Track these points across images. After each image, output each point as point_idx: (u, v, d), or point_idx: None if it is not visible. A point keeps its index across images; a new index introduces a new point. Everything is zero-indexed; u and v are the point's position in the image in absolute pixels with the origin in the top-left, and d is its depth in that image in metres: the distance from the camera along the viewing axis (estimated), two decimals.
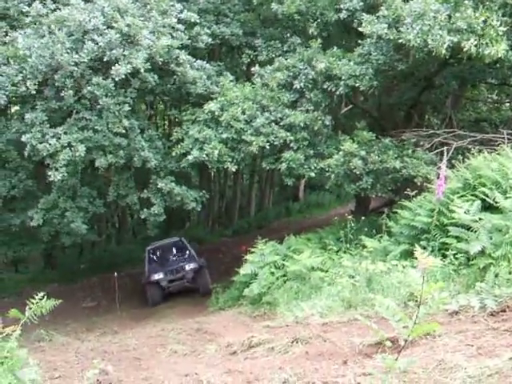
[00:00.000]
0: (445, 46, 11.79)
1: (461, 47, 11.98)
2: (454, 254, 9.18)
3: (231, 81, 15.38)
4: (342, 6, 14.11)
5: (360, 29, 13.21)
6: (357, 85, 13.57)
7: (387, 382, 3.37)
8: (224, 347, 9.14)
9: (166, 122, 27.63)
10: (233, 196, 29.67)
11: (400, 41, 12.28)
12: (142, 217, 16.09)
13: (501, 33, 11.92)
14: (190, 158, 14.18)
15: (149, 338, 12.54)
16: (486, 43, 11.86)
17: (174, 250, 20.86)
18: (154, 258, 20.56)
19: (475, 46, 11.79)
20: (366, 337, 7.36)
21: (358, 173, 13.59)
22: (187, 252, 20.46)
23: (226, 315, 13.26)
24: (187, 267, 19.29)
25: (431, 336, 6.75)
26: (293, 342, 8.30)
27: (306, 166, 14.11)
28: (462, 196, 10.28)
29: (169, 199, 15.49)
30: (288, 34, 16.00)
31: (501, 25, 11.90)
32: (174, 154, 14.79)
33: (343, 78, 13.56)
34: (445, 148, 11.50)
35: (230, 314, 13.26)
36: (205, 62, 15.73)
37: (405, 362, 3.67)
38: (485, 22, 11.95)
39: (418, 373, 5.65)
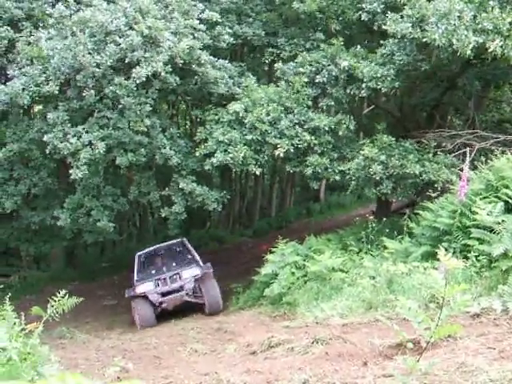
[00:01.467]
0: (470, 46, 11.69)
1: (486, 48, 11.87)
2: (476, 256, 9.12)
3: (253, 81, 15.36)
4: (363, 6, 14.05)
5: (384, 27, 13.11)
6: (379, 87, 13.49)
7: (408, 383, 3.35)
8: (244, 347, 9.16)
9: (188, 122, 27.71)
10: (254, 196, 29.68)
11: (425, 40, 12.18)
12: (163, 215, 16.07)
13: None
14: (214, 160, 14.13)
15: (169, 337, 12.60)
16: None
17: (171, 255, 17.10)
18: (145, 264, 17.01)
19: (500, 46, 11.67)
20: (386, 338, 7.33)
21: (377, 178, 13.52)
22: (188, 256, 16.53)
23: (246, 315, 13.27)
24: (185, 274, 15.09)
25: (452, 338, 6.70)
26: (313, 343, 8.29)
27: (330, 170, 14.07)
28: (484, 198, 10.20)
29: (190, 199, 15.51)
30: (310, 34, 15.96)
31: None
32: (197, 154, 14.80)
33: (365, 80, 13.50)
34: (467, 149, 11.38)
35: (250, 314, 13.27)
36: (227, 62, 15.74)
37: (426, 364, 3.64)
38: (511, 23, 11.83)
39: (438, 375, 5.62)
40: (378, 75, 13.36)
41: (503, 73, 15.05)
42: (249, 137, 13.98)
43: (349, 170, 13.63)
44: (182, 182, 15.07)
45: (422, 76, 14.32)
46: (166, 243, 17.54)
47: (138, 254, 17.03)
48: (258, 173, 14.79)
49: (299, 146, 13.85)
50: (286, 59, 15.50)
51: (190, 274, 15.06)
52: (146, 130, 14.48)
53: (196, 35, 14.94)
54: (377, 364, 6.68)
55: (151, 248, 17.49)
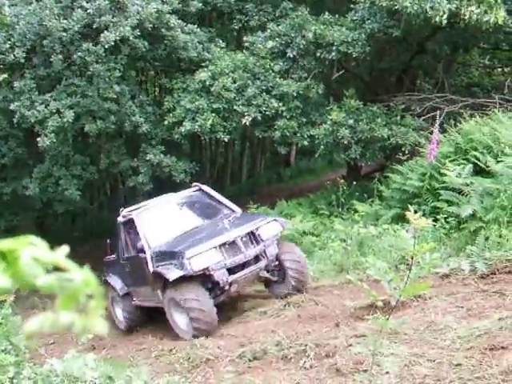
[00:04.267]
0: (445, 16, 11.67)
1: (459, 14, 11.85)
2: (445, 218, 9.25)
3: (222, 47, 15.22)
4: None
5: None
6: (349, 51, 13.46)
7: (378, 342, 3.41)
8: None
9: (157, 89, 27.44)
10: (224, 163, 29.63)
11: (396, 7, 12.13)
12: (130, 185, 16.06)
13: (499, 0, 11.81)
14: (182, 129, 14.07)
15: None
16: (485, 10, 11.76)
17: (199, 208, 10.94)
18: (160, 227, 10.38)
19: (476, 13, 11.66)
20: (357, 300, 7.47)
21: (346, 142, 13.56)
22: (227, 209, 10.43)
23: None
24: (264, 233, 9.08)
25: (422, 298, 6.85)
26: (285, 306, 8.40)
27: (298, 134, 14.07)
28: (453, 160, 10.32)
29: (158, 169, 15.45)
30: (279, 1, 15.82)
31: None
32: (166, 122, 14.70)
33: (335, 43, 13.45)
34: (437, 112, 11.46)
35: None
36: (196, 27, 15.56)
37: (396, 322, 3.72)
38: None
39: (409, 334, 5.75)
40: (349, 40, 13.34)
41: (472, 37, 15.10)
42: (215, 105, 13.92)
43: (317, 134, 13.65)
44: (150, 153, 14.98)
45: (391, 40, 14.30)
46: (173, 195, 10.89)
47: (136, 212, 10.27)
48: (226, 140, 14.74)
49: (267, 112, 13.81)
50: (254, 28, 15.36)
51: (270, 232, 9.12)
52: (115, 96, 14.31)
53: None
54: (348, 325, 6.80)
55: (145, 204, 10.76)
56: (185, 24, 15.06)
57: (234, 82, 13.97)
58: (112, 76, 14.06)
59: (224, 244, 8.80)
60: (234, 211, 10.33)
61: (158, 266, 8.99)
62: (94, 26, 13.86)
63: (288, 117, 13.88)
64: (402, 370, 4.81)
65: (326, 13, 14.29)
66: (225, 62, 14.36)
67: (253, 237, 9.05)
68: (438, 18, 11.72)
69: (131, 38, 13.74)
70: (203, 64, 14.67)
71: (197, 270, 8.44)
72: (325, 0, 15.92)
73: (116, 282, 10.91)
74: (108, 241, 12.05)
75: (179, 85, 14.89)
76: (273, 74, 14.14)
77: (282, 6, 15.14)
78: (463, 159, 10.32)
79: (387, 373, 4.75)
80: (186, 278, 8.44)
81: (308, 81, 14.06)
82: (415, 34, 14.47)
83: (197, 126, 13.82)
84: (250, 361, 6.61)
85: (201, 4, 15.50)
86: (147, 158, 15.02)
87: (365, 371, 4.91)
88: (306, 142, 14.11)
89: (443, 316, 6.08)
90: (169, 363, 7.46)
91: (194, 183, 11.18)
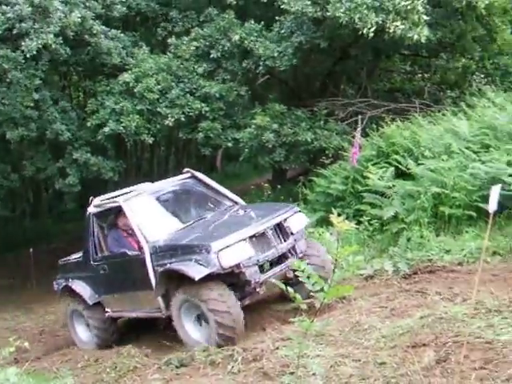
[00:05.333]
0: (372, 29, 11.87)
1: (385, 28, 12.09)
2: (369, 220, 9.44)
3: (146, 52, 15.07)
4: None
5: (282, 6, 13.05)
6: (276, 65, 13.53)
7: (304, 344, 3.44)
8: None
9: (81, 94, 26.92)
10: (149, 168, 29.35)
11: (329, 17, 12.17)
12: (57, 187, 15.57)
13: (422, 20, 12.12)
14: (106, 129, 13.83)
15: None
16: (410, 27, 12.04)
17: (194, 198, 9.20)
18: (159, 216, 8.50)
19: (400, 29, 11.91)
20: (283, 303, 7.51)
21: (270, 146, 13.64)
22: (227, 199, 9.09)
23: None
24: (294, 224, 7.78)
25: (347, 300, 6.96)
26: None
27: (222, 137, 14.07)
28: (375, 163, 10.54)
29: (85, 170, 15.10)
30: (203, 6, 15.75)
31: (423, 12, 12.09)
32: (89, 124, 14.41)
33: (262, 58, 13.51)
34: (359, 117, 11.69)
35: None
36: (119, 32, 15.32)
37: (321, 324, 3.76)
38: (409, 6, 12.05)
39: (334, 335, 5.83)
40: (275, 54, 13.41)
41: (393, 44, 15.47)
42: (139, 107, 13.79)
43: (242, 138, 13.69)
44: (76, 153, 14.65)
45: (316, 48, 14.45)
46: (161, 182, 9.28)
47: (124, 198, 8.32)
48: (150, 142, 14.59)
49: (190, 113, 13.77)
50: (179, 33, 15.27)
51: (299, 224, 7.88)
52: (32, 105, 13.89)
53: (88, 4, 14.43)
54: (275, 328, 6.84)
55: (136, 189, 8.96)
56: (108, 29, 14.82)
57: (158, 84, 13.86)
58: (32, 83, 13.66)
59: (253, 236, 7.33)
60: (236, 203, 8.89)
61: (161, 265, 7.39)
62: (15, 32, 13.42)
63: (211, 118, 13.87)
64: (328, 371, 4.87)
65: (252, 20, 14.32)
66: (148, 64, 14.23)
67: (280, 230, 7.64)
68: (365, 30, 11.92)
69: (54, 46, 13.39)
70: (127, 67, 14.49)
71: (227, 267, 6.93)
72: (249, 6, 15.92)
73: (83, 289, 8.83)
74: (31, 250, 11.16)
75: (103, 87, 14.64)
76: (196, 76, 14.11)
77: (207, 12, 15.11)
78: (385, 162, 10.56)
79: (314, 374, 4.79)
80: (205, 278, 6.87)
81: (231, 83, 14.08)
82: (339, 41, 14.69)
83: (121, 128, 13.64)
84: (177, 368, 6.56)
85: (125, 9, 15.29)
86: (74, 157, 14.66)
87: (292, 373, 4.95)
88: (230, 144, 14.10)
89: (368, 316, 6.19)
90: (95, 373, 7.32)
91: (186, 169, 9.47)
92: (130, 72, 14.11)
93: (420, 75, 19.65)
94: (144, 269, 7.52)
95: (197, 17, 15.33)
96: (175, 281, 7.27)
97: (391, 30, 11.87)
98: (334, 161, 12.40)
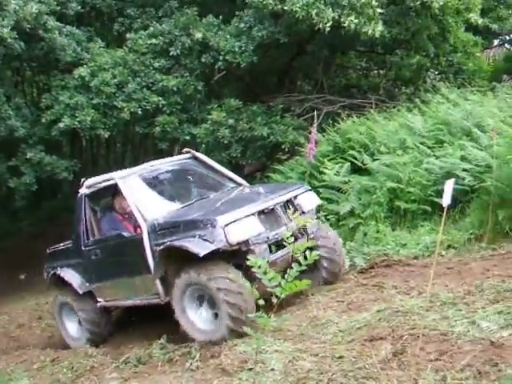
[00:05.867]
0: (329, 23, 11.92)
1: (341, 22, 12.15)
2: (326, 216, 9.47)
3: (102, 47, 14.86)
4: None
5: None
6: (236, 60, 13.49)
7: (262, 340, 3.43)
8: None
9: (35, 90, 26.44)
10: (106, 165, 29.03)
11: (286, 8, 12.18)
12: (12, 186, 15.26)
13: (377, 13, 12.23)
14: (61, 125, 13.59)
15: (23, 314, 12.10)
16: (365, 22, 12.14)
17: (193, 179, 8.67)
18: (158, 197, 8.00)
19: (355, 23, 12.00)
20: None
21: (226, 142, 13.61)
22: (228, 179, 8.49)
23: None
24: (305, 203, 7.42)
25: (305, 295, 6.99)
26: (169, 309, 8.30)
27: (179, 131, 13.99)
28: (332, 159, 10.62)
29: (39, 169, 14.84)
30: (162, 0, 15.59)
31: (378, 6, 12.20)
32: (43, 120, 14.15)
33: (222, 52, 13.46)
34: (315, 113, 11.73)
35: None
36: (74, 28, 15.07)
37: (278, 320, 3.76)
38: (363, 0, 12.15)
39: (292, 330, 5.85)
40: (236, 49, 13.37)
41: (349, 39, 15.57)
42: (95, 101, 13.61)
43: (199, 133, 13.64)
44: (30, 152, 14.38)
45: (275, 44, 14.46)
46: (159, 161, 8.61)
47: (120, 175, 7.76)
48: (106, 136, 14.41)
49: (147, 107, 13.66)
50: (137, 29, 15.09)
51: (310, 203, 7.51)
52: None
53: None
54: None
55: (133, 169, 8.25)
56: (63, 25, 14.58)
57: (114, 78, 13.70)
58: None
59: (262, 212, 6.75)
60: (240, 184, 8.27)
61: (160, 244, 6.68)
62: None
63: (168, 112, 13.78)
64: (287, 366, 4.88)
65: (210, 15, 14.26)
66: (104, 58, 14.06)
67: (290, 208, 6.78)
68: (321, 25, 11.97)
69: (9, 40, 13.10)
70: (82, 62, 14.28)
71: (234, 243, 6.31)
72: (207, 2, 15.83)
73: (72, 276, 8.09)
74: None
75: (57, 82, 14.40)
76: (153, 70, 14.00)
77: (166, 6, 14.96)
78: (341, 158, 10.65)
79: (272, 369, 4.80)
80: (211, 256, 6.24)
81: (188, 78, 14.00)
82: (296, 36, 14.72)
83: (76, 122, 13.44)
84: (135, 366, 6.53)
85: (80, 7, 15.06)
86: (27, 157, 14.40)
87: (250, 369, 4.94)
88: (187, 137, 14.01)
89: (325, 311, 6.23)
90: (51, 374, 7.23)
91: (186, 149, 8.99)
92: (85, 66, 13.92)
93: (375, 71, 19.85)
94: (141, 250, 6.87)
95: (155, 12, 15.19)
96: (177, 261, 6.60)
97: (346, 25, 11.96)
98: (291, 156, 12.43)
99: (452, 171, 8.33)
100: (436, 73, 16.37)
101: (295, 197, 7.21)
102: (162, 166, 8.43)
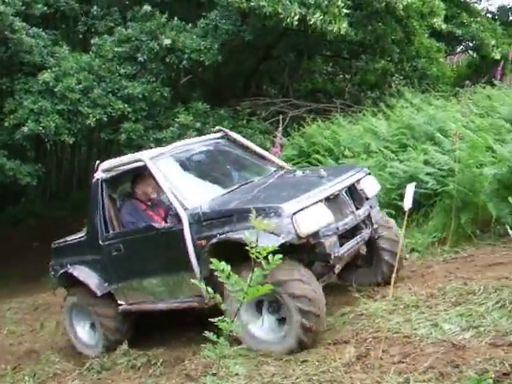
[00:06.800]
0: (296, 17, 11.99)
1: (307, 20, 12.23)
2: None
3: (68, 49, 14.70)
4: None
5: None
6: (201, 59, 13.46)
7: (224, 345, 3.42)
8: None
9: None
10: (71, 169, 28.73)
11: (252, 4, 12.19)
12: None
13: (343, 13, 12.34)
14: (25, 129, 13.41)
15: None
16: (330, 20, 12.24)
17: (232, 160, 7.60)
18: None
19: (320, 20, 12.09)
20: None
21: None
22: (268, 163, 7.46)
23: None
24: (368, 188, 6.41)
25: None
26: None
27: (145, 138, 13.91)
28: (297, 163, 10.62)
29: (1, 174, 14.61)
30: (127, 2, 15.48)
31: (344, 7, 12.31)
32: (6, 124, 13.94)
33: (187, 51, 13.42)
34: (280, 117, 11.77)
35: None
36: (40, 30, 14.89)
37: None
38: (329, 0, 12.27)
39: None
40: (201, 47, 13.35)
41: (315, 44, 15.65)
42: (60, 106, 13.45)
43: (164, 137, 13.57)
44: None
45: (240, 46, 14.47)
46: (189, 140, 7.87)
47: (149, 155, 6.58)
48: (71, 142, 14.26)
49: (112, 114, 13.55)
50: (102, 32, 14.96)
51: (373, 188, 6.54)
52: None
53: (7, 0, 13.95)
54: (195, 330, 6.78)
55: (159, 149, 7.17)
56: (29, 27, 14.39)
57: (79, 83, 13.56)
58: None
59: (328, 199, 5.78)
60: (282, 167, 7.24)
61: (207, 237, 5.68)
62: None
63: (134, 119, 13.69)
64: (251, 371, 4.86)
65: (175, 18, 14.20)
66: (69, 63, 13.91)
67: (353, 194, 6.22)
68: (289, 20, 12.04)
69: None
70: (46, 65, 14.10)
71: (304, 235, 5.35)
72: (173, 6, 15.76)
73: (88, 276, 7.02)
74: None
75: (21, 85, 14.19)
76: (119, 76, 13.88)
77: (133, 9, 14.85)
78: (306, 162, 10.68)
79: (236, 374, 4.78)
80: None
81: (154, 84, 13.93)
82: (262, 39, 14.76)
83: (40, 128, 13.27)
84: (99, 372, 6.46)
85: (46, 8, 14.88)
86: None
87: (214, 374, 4.92)
88: (152, 145, 13.94)
89: None
90: (13, 382, 7.11)
91: (217, 127, 7.98)
92: (49, 71, 13.75)
93: (341, 76, 20.02)
94: (179, 244, 5.84)
95: (120, 15, 15.08)
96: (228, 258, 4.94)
97: (312, 22, 12.05)
98: None
99: (415, 175, 8.39)
100: (401, 78, 16.53)
101: (358, 181, 6.31)
102: (194, 145, 7.34)
